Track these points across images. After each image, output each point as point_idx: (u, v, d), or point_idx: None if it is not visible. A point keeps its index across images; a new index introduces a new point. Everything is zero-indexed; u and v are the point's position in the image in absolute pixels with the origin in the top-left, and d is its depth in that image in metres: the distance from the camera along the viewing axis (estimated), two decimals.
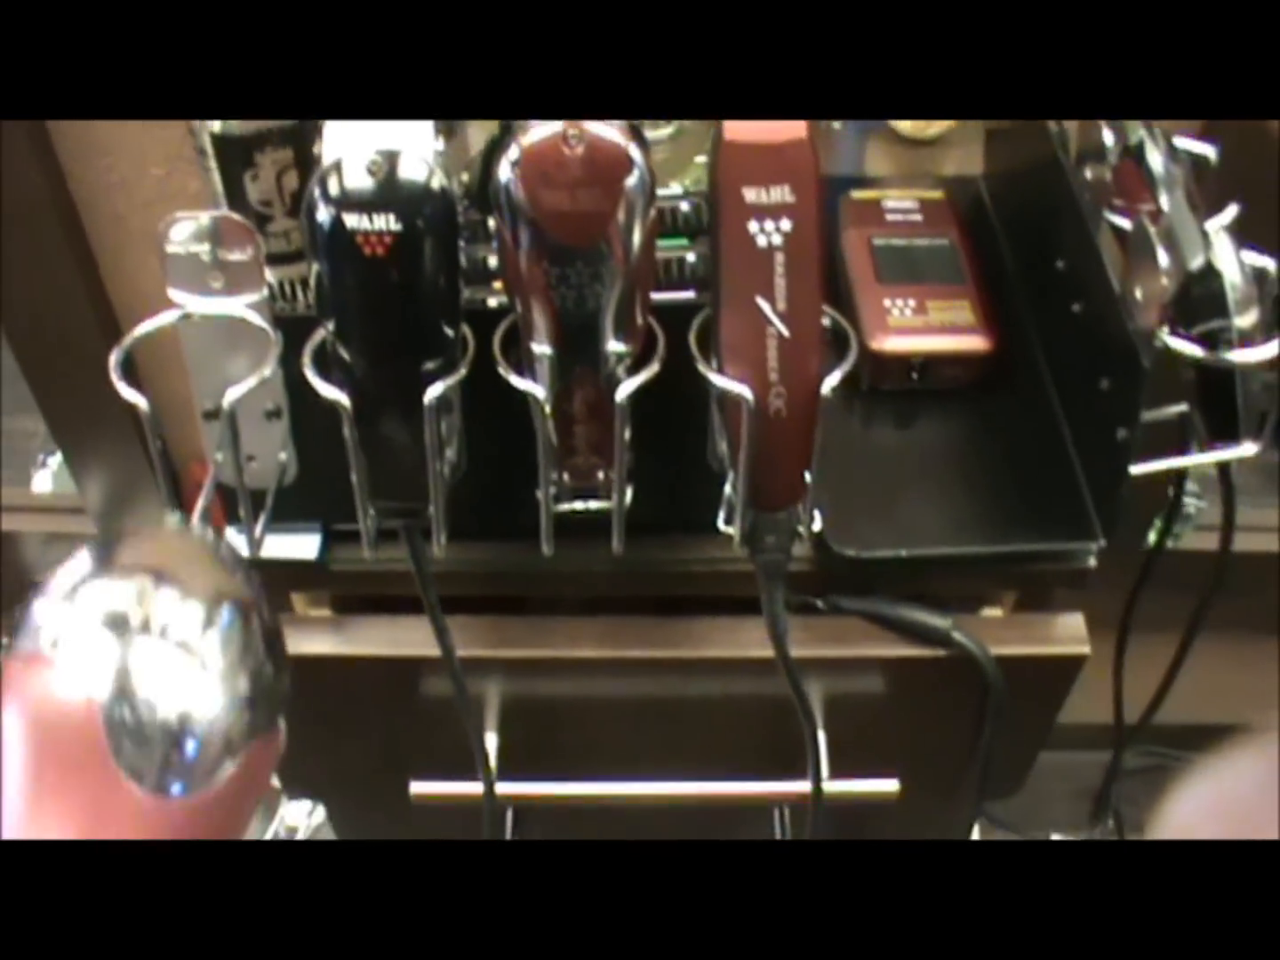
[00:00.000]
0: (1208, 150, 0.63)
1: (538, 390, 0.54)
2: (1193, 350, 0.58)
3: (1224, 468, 0.67)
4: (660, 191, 0.64)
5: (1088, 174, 0.65)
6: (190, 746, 0.33)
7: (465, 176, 0.60)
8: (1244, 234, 0.60)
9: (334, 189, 0.50)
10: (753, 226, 0.50)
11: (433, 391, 0.53)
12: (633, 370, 0.55)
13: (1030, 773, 1.48)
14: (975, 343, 0.70)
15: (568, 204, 0.50)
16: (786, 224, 0.51)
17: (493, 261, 0.61)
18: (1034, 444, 0.70)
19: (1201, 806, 0.33)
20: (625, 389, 0.54)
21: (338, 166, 0.50)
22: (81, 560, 0.36)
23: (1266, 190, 0.69)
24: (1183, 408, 0.64)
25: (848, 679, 0.70)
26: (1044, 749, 1.43)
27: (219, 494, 0.63)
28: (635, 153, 0.50)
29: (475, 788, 0.71)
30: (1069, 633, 0.69)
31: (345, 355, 0.53)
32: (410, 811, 0.75)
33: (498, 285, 0.63)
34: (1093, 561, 0.68)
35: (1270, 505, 1.52)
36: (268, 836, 1.24)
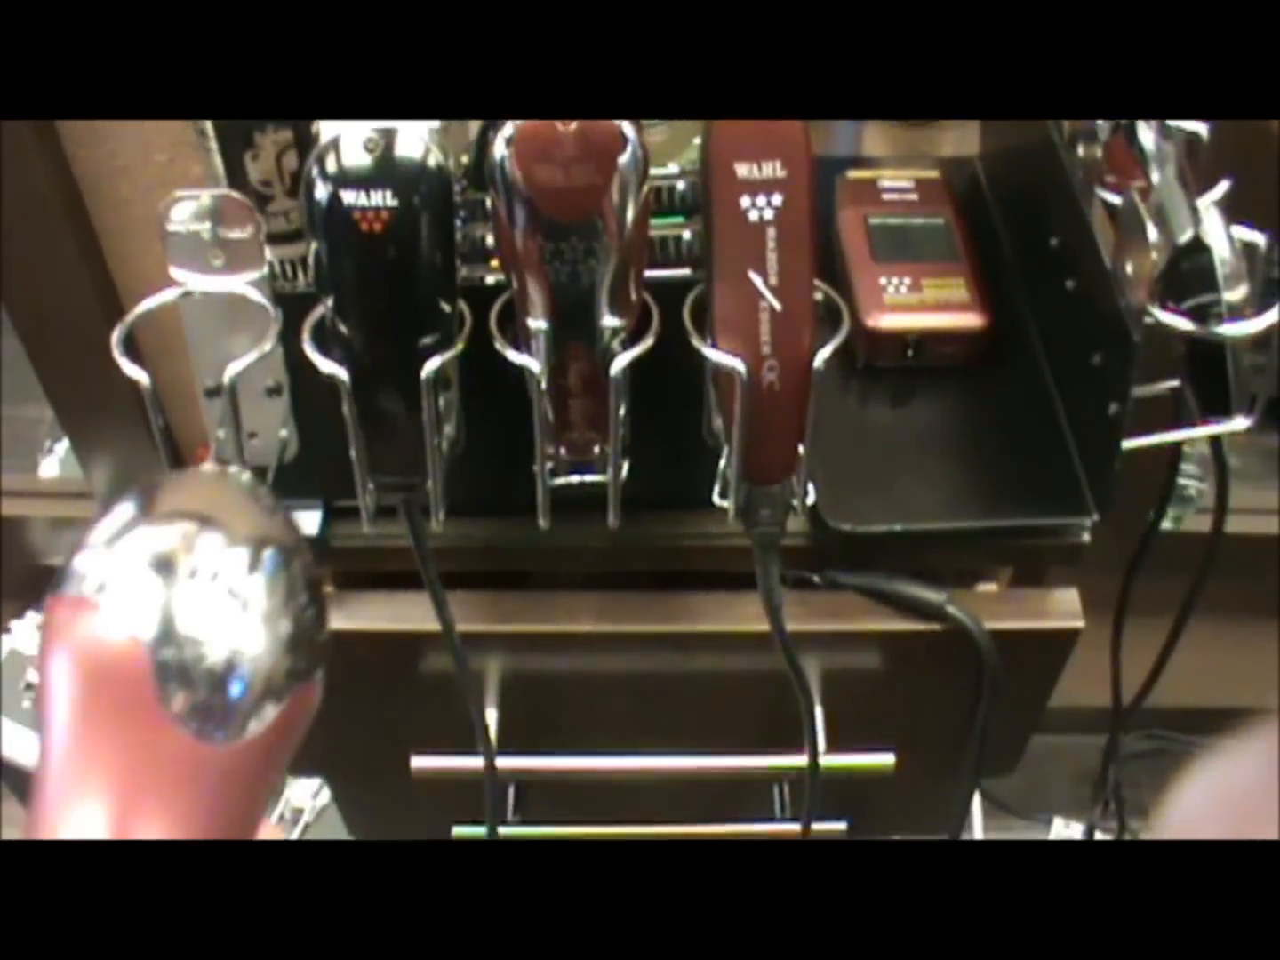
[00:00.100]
0: (1200, 128, 0.63)
1: (533, 364, 0.55)
2: (1182, 324, 0.58)
3: (1216, 443, 0.68)
4: (657, 171, 0.65)
5: (1080, 152, 0.65)
6: (235, 688, 0.34)
7: (465, 159, 0.60)
8: (1236, 210, 0.60)
9: (331, 166, 0.51)
10: (744, 202, 0.51)
11: (430, 366, 0.54)
12: (627, 345, 0.56)
13: (1028, 753, 1.49)
14: (970, 320, 0.70)
15: (562, 180, 0.51)
16: (778, 199, 0.51)
17: (490, 240, 0.62)
18: (1028, 420, 0.70)
19: (1206, 796, 0.33)
20: (619, 363, 0.55)
21: (335, 144, 0.51)
22: (124, 508, 0.36)
23: (1259, 167, 0.70)
24: (1175, 383, 0.65)
25: (844, 653, 0.71)
26: (1045, 732, 1.43)
27: None
28: (628, 129, 0.50)
29: (476, 763, 0.71)
30: (1063, 607, 0.70)
31: (344, 331, 0.54)
32: (411, 786, 0.76)
33: (495, 263, 0.63)
34: (1086, 537, 0.68)
35: (1270, 488, 1.53)
36: (274, 818, 1.25)
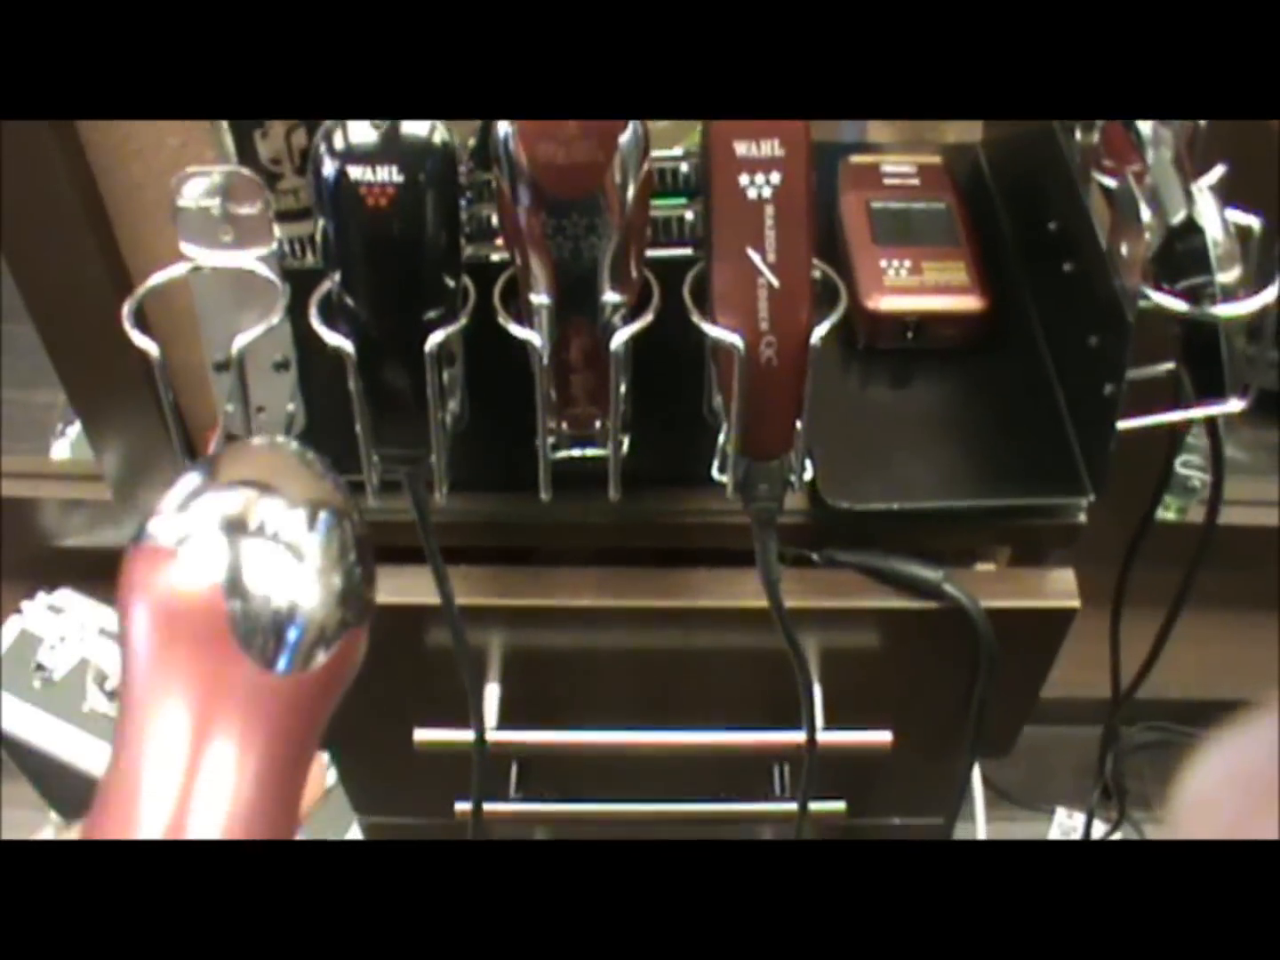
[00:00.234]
0: None
1: (535, 338, 0.56)
2: (1176, 305, 0.59)
3: (1212, 426, 0.68)
4: (661, 153, 0.66)
5: (1078, 137, 0.66)
6: (292, 634, 0.38)
7: (471, 141, 0.61)
8: (1234, 195, 0.61)
9: (339, 142, 0.52)
10: (743, 180, 0.52)
11: (433, 339, 0.55)
12: (628, 321, 0.57)
13: (1032, 743, 1.49)
14: (969, 303, 0.71)
15: (564, 157, 0.52)
16: (776, 177, 0.52)
17: (495, 219, 0.62)
18: (1026, 401, 0.71)
19: (1219, 775, 0.33)
20: (620, 337, 0.56)
21: (343, 121, 0.52)
22: (190, 477, 0.40)
23: (1257, 152, 0.71)
24: (1171, 366, 0.66)
25: (842, 631, 0.72)
26: (1048, 723, 1.45)
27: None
28: None
29: (472, 736, 0.72)
30: (1059, 587, 0.70)
31: (350, 305, 0.55)
32: (414, 759, 0.77)
33: (499, 242, 0.64)
34: (1083, 517, 0.69)
35: (1271, 480, 1.53)
36: None
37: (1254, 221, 0.61)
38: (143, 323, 0.59)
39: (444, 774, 0.78)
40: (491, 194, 0.57)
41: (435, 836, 0.91)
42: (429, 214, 0.53)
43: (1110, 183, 0.63)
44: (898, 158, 0.78)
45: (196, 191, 0.60)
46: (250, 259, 0.60)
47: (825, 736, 0.72)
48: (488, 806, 0.82)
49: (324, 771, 0.42)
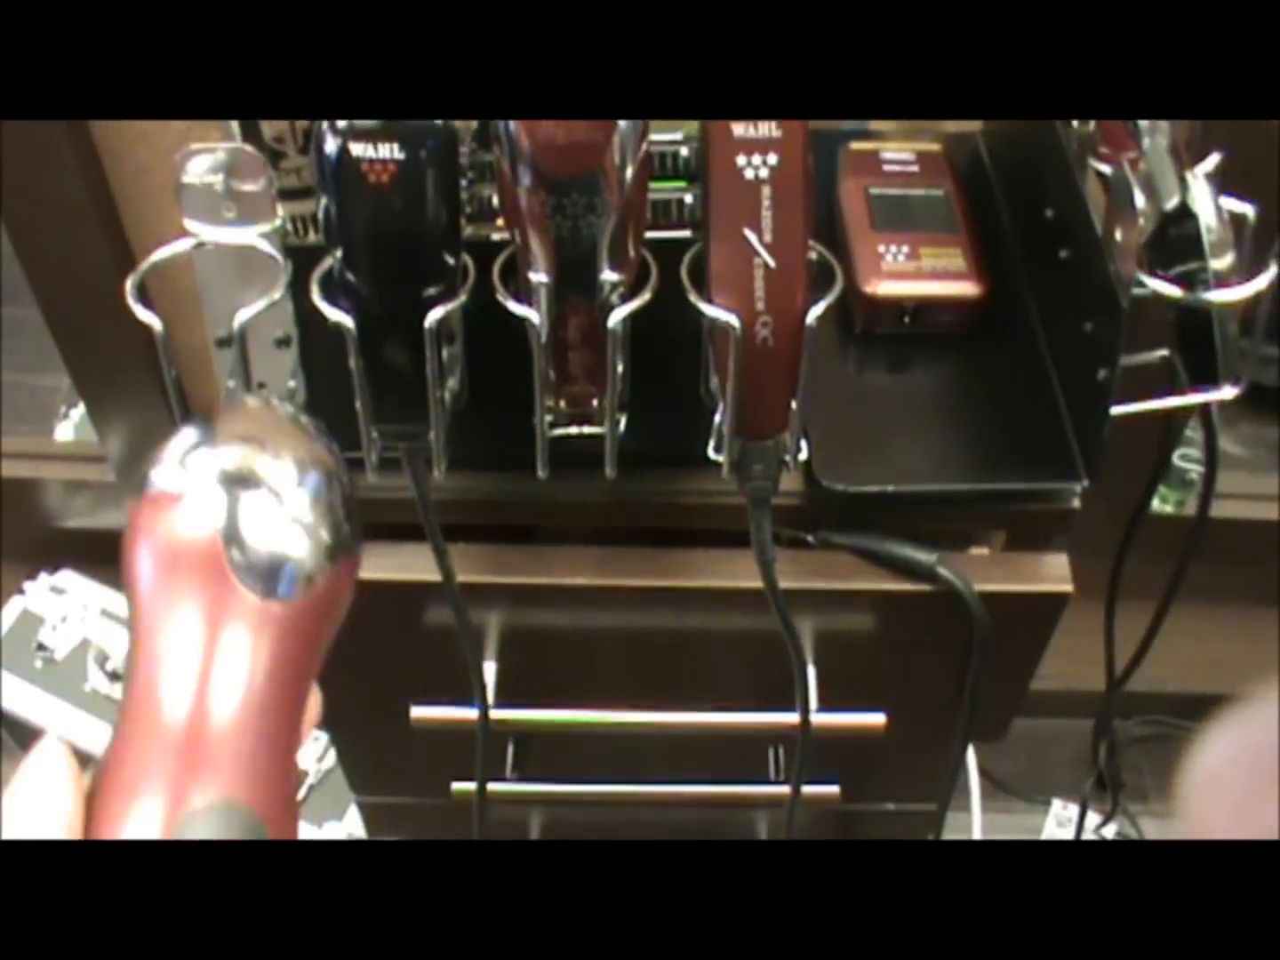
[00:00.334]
0: None
1: (533, 316, 0.56)
2: (1170, 290, 0.59)
3: (1205, 413, 0.69)
4: (662, 136, 0.67)
5: (1075, 125, 0.67)
6: (286, 572, 0.41)
7: (473, 122, 0.62)
8: (1229, 182, 0.61)
9: (341, 120, 0.52)
10: (740, 160, 0.53)
11: (433, 315, 0.55)
12: (626, 300, 0.57)
13: (1030, 735, 1.51)
14: (966, 288, 0.72)
15: (563, 136, 0.52)
16: (773, 158, 0.53)
17: (496, 200, 0.63)
18: (1022, 387, 0.72)
19: (1228, 754, 0.33)
20: (617, 315, 0.56)
21: None
22: (188, 433, 0.43)
23: (1252, 139, 0.71)
24: (1165, 353, 0.66)
25: (837, 612, 0.72)
26: (1046, 715, 1.45)
27: None
28: None
29: (474, 713, 0.73)
30: (1053, 571, 0.71)
31: (351, 280, 0.56)
32: (410, 738, 0.78)
33: (500, 223, 0.65)
34: (1077, 503, 0.70)
35: (1271, 476, 1.53)
36: None
37: (1248, 209, 0.61)
38: (147, 303, 0.59)
39: (440, 754, 0.79)
40: (493, 174, 0.58)
41: (432, 817, 0.91)
42: (429, 191, 0.54)
43: (1106, 170, 0.63)
44: (898, 145, 0.79)
45: (200, 168, 0.60)
46: (253, 235, 0.61)
47: (819, 718, 0.73)
48: (487, 786, 0.83)
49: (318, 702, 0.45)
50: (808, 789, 0.82)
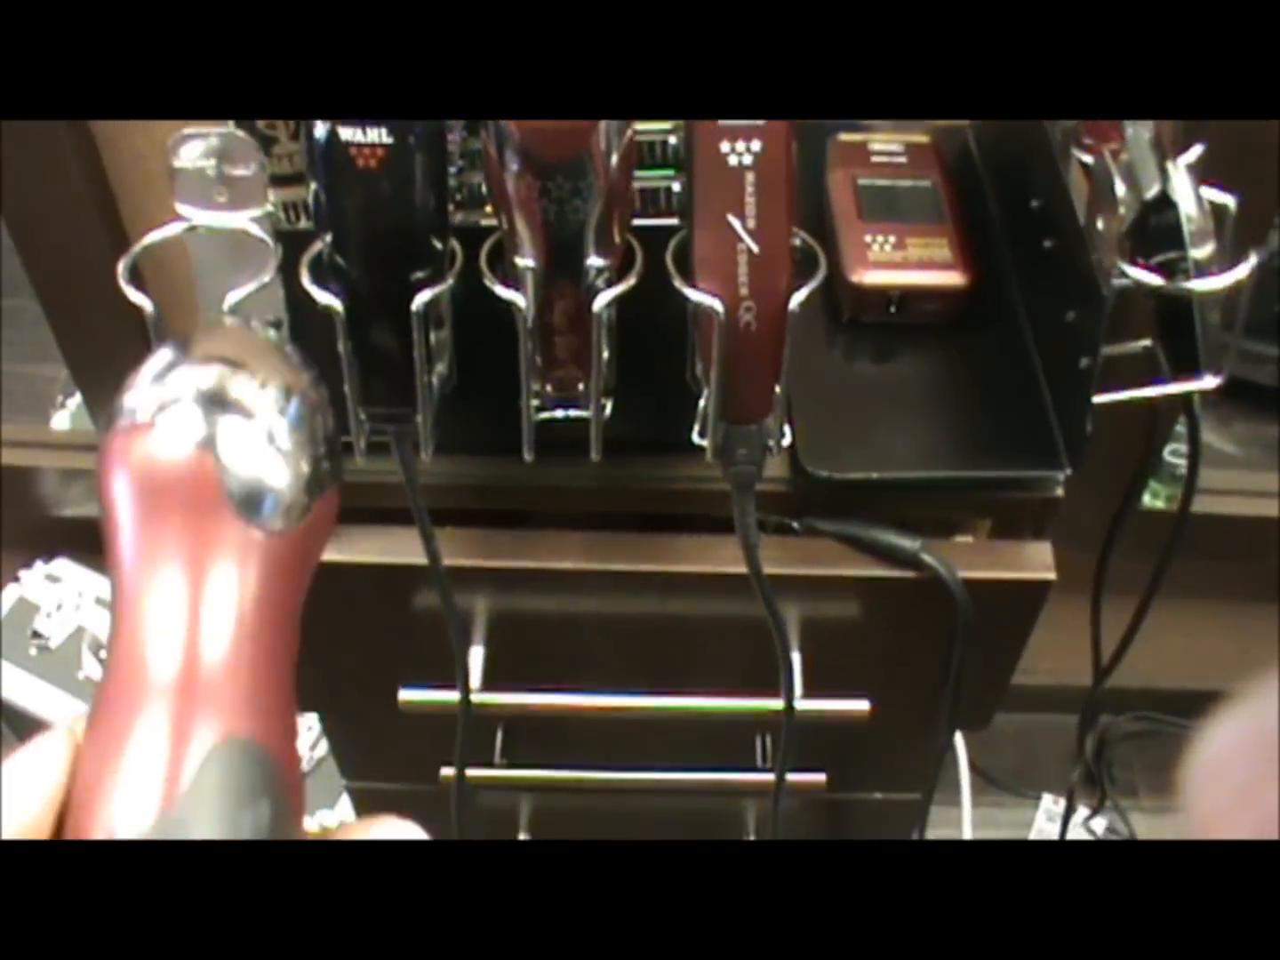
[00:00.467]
0: None
1: (519, 299, 0.57)
2: (1150, 279, 0.60)
3: (1188, 403, 0.69)
4: (650, 125, 0.68)
5: None
6: (266, 512, 0.39)
7: None
8: (1213, 173, 0.62)
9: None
10: (724, 147, 0.53)
11: (420, 298, 0.56)
12: (612, 285, 0.58)
13: (1021, 730, 1.51)
14: (952, 278, 0.72)
15: (549, 120, 0.53)
16: (757, 145, 0.53)
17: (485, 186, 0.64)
18: (1007, 376, 0.72)
19: (1231, 739, 0.32)
20: (602, 299, 0.57)
21: None
22: (163, 353, 0.40)
23: (1235, 132, 0.72)
24: (1148, 343, 0.67)
25: (821, 598, 0.73)
26: (1038, 711, 1.46)
27: None
28: None
29: (457, 697, 0.74)
30: (1036, 559, 0.72)
31: (340, 264, 0.56)
32: (399, 723, 0.78)
33: (490, 209, 0.65)
34: (1060, 491, 0.70)
35: (1269, 473, 1.54)
36: None
37: (1229, 200, 0.62)
38: (142, 289, 0.60)
39: (430, 739, 0.79)
40: (482, 161, 0.58)
41: (422, 803, 0.92)
42: (418, 175, 0.54)
43: (1089, 160, 0.64)
44: (886, 136, 0.80)
45: (193, 153, 0.61)
46: (244, 219, 0.61)
47: (804, 704, 0.74)
48: (473, 771, 0.83)
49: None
50: (794, 777, 0.83)
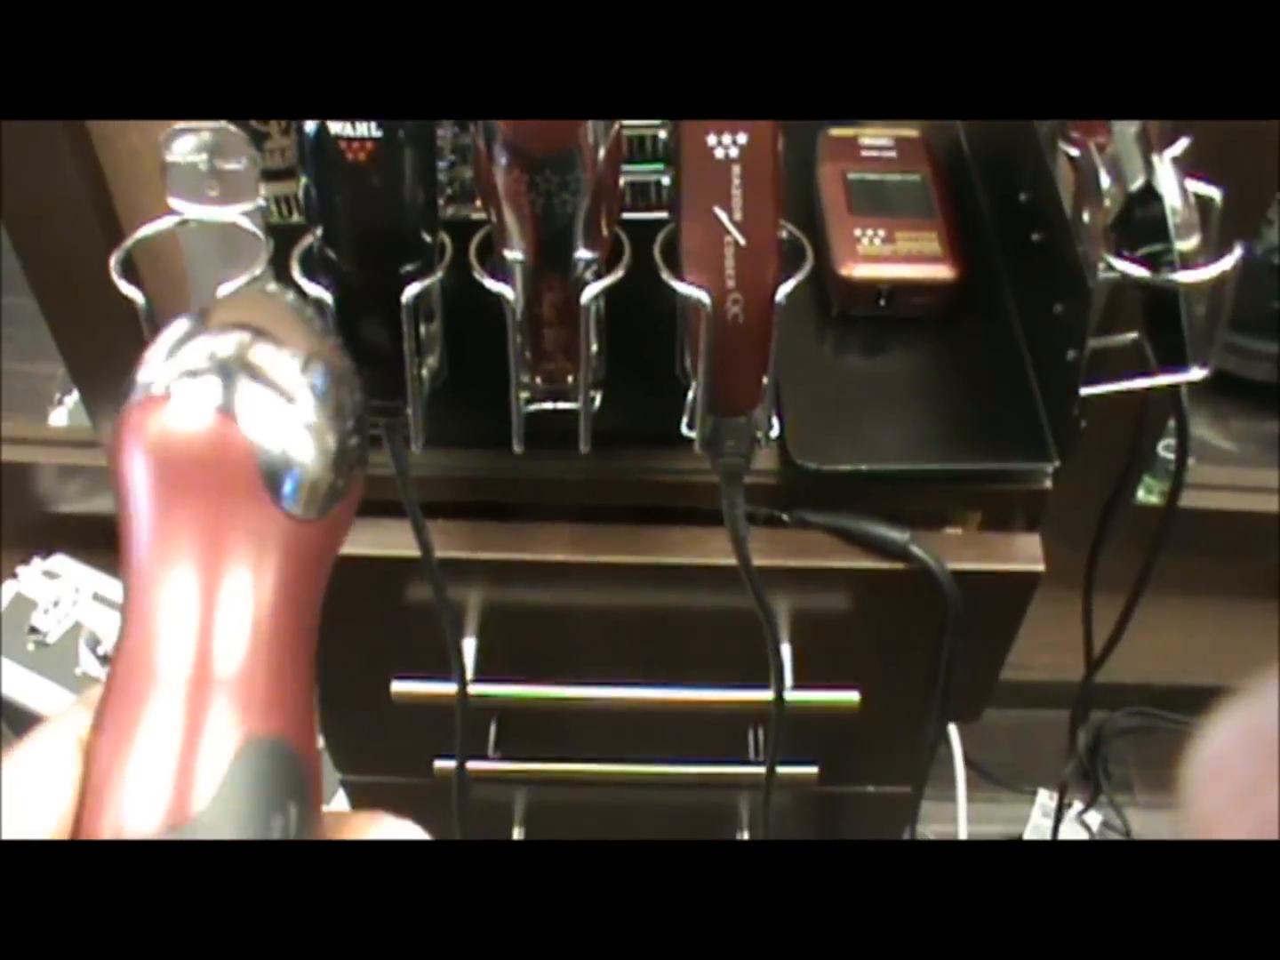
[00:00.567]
0: None
1: (508, 292, 0.57)
2: (1136, 271, 0.60)
3: (1175, 395, 0.70)
4: (641, 121, 0.68)
5: None
6: (288, 486, 0.36)
7: None
8: (1200, 167, 0.62)
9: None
10: (711, 140, 0.53)
11: (410, 291, 0.56)
12: (601, 277, 0.58)
13: (1017, 726, 1.52)
14: (941, 272, 0.73)
15: None
16: (743, 138, 0.53)
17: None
18: (996, 369, 0.73)
19: (1233, 737, 0.32)
20: (590, 291, 0.57)
21: None
22: (180, 323, 0.37)
23: (1222, 125, 0.72)
24: (1135, 335, 0.67)
25: (811, 590, 0.73)
26: (1034, 707, 1.46)
27: None
28: None
29: (454, 688, 0.74)
30: (1025, 551, 0.72)
31: (331, 257, 0.57)
32: (392, 715, 0.79)
33: (480, 203, 0.66)
34: (1049, 483, 0.71)
35: (1268, 469, 1.54)
36: None
37: (1215, 193, 0.62)
38: (138, 285, 0.60)
39: (423, 731, 0.80)
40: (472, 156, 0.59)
41: (416, 796, 0.92)
42: (407, 169, 0.55)
43: (1075, 153, 0.65)
44: (876, 131, 0.80)
45: (185, 148, 0.61)
46: (235, 214, 0.62)
47: (794, 695, 0.74)
48: (468, 764, 0.84)
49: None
50: (786, 769, 0.83)
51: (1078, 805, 1.51)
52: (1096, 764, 1.54)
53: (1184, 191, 0.60)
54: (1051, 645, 0.99)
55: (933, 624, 0.74)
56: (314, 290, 0.57)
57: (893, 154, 0.78)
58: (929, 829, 1.47)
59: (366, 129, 0.54)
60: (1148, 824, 1.51)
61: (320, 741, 0.92)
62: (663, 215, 0.66)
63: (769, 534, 0.71)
